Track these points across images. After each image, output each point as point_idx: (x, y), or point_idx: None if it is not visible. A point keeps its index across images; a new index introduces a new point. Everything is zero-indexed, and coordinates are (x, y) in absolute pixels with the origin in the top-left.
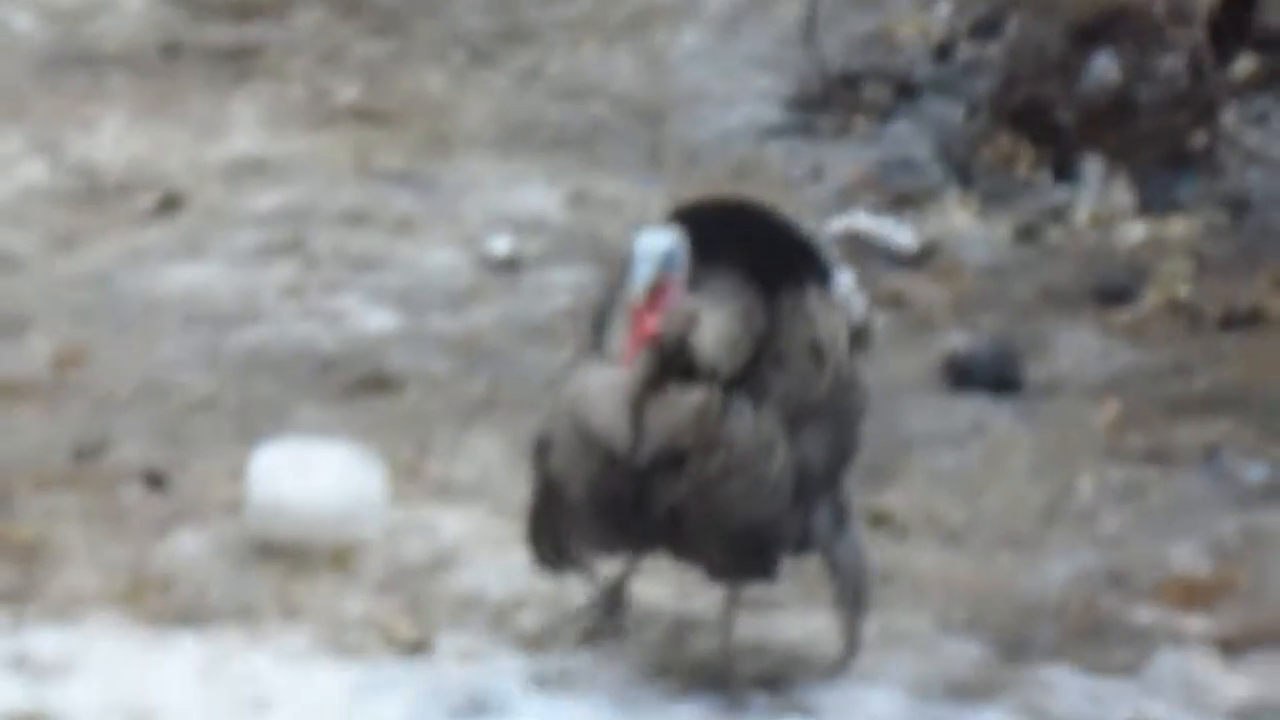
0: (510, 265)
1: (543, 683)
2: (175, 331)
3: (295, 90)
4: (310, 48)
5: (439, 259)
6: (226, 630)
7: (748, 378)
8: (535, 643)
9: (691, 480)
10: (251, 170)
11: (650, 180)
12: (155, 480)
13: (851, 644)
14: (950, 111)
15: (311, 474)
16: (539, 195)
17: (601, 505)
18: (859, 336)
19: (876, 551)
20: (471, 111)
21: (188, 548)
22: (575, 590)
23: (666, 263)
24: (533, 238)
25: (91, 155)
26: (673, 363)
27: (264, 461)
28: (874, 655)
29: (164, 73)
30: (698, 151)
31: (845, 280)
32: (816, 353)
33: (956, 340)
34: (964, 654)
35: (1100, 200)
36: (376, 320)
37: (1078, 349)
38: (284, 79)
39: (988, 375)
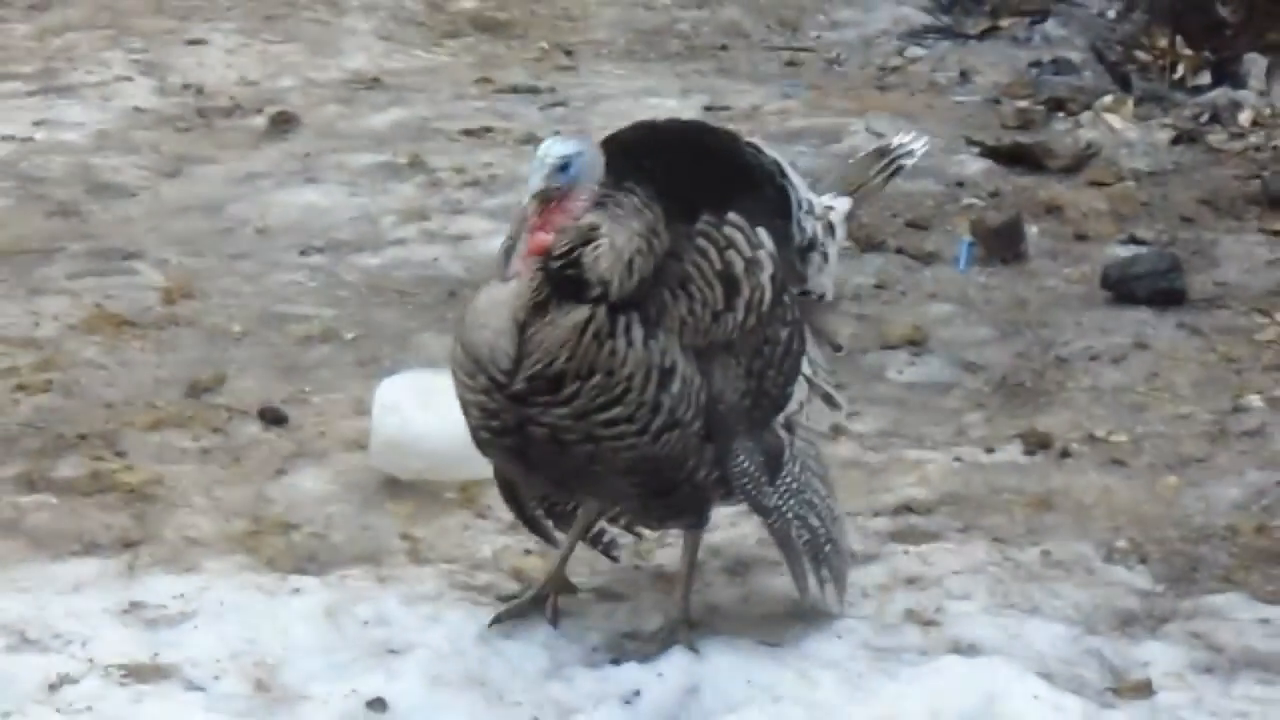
0: None
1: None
2: (290, 259)
3: (411, 2)
4: None
5: None
6: (351, 573)
7: (643, 301)
8: (673, 580)
9: (569, 405)
10: (368, 87)
11: (789, 89)
12: (273, 417)
13: (804, 594)
14: (1104, 10)
15: (437, 407)
16: (673, 107)
17: (494, 432)
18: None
19: (1035, 477)
20: (598, 20)
21: (309, 487)
22: (721, 521)
23: (565, 173)
24: None
25: (200, 76)
26: (560, 279)
27: (387, 395)
28: (1035, 585)
29: None
30: (838, 56)
31: (829, 211)
32: (729, 282)
33: (1115, 251)
34: (1129, 583)
35: (1264, 100)
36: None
37: (1243, 257)
38: None
39: (1149, 287)
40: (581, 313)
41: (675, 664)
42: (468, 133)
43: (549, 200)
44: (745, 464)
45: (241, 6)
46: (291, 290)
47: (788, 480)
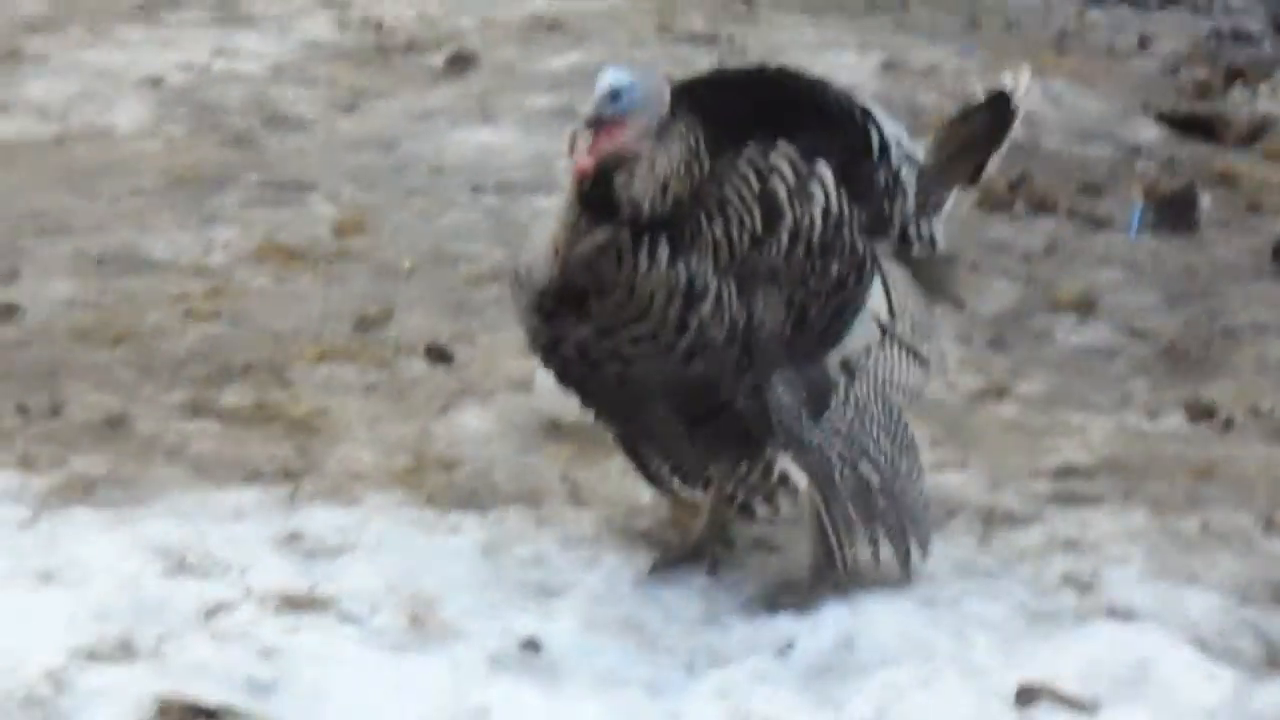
0: None
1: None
2: (462, 198)
3: None
4: None
5: None
6: (510, 513)
7: (679, 223)
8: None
9: (592, 322)
10: (547, 29)
11: (967, 48)
12: (439, 354)
13: (817, 564)
14: None
15: None
16: (850, 62)
17: (542, 352)
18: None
19: (1198, 446)
20: None
21: (472, 425)
22: None
23: (617, 102)
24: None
25: (380, 11)
26: (593, 200)
27: None
28: (1194, 554)
29: None
30: (1018, 18)
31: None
32: (771, 207)
33: None
34: None
35: None
36: None
37: None
38: None
39: None
40: (605, 232)
41: (830, 617)
42: None
43: (600, 126)
44: (783, 396)
45: None
46: (463, 229)
47: (835, 422)
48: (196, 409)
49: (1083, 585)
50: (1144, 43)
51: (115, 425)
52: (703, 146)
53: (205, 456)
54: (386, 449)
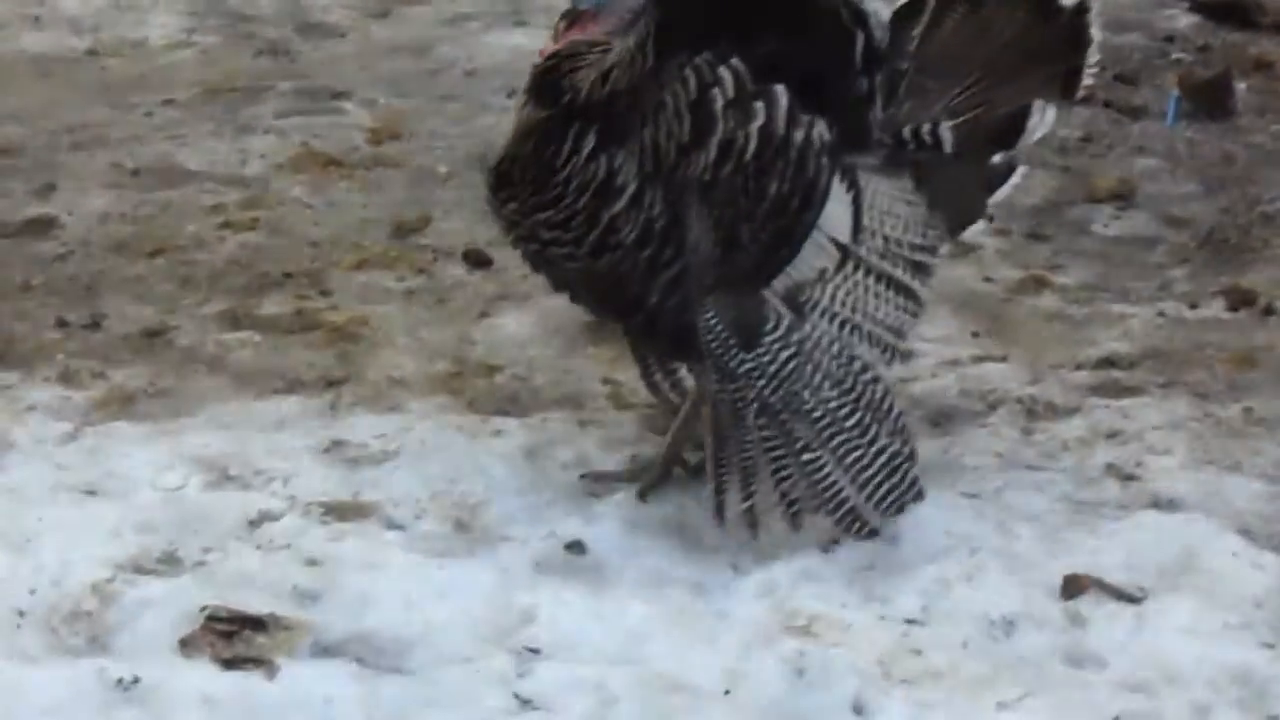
0: None
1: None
2: (498, 101)
3: None
4: None
5: None
6: (552, 416)
7: (614, 117)
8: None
9: (515, 202)
10: None
11: None
12: (478, 259)
13: (666, 459)
14: None
15: None
16: None
17: (505, 235)
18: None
19: (1238, 333)
20: None
21: (511, 330)
22: (922, 372)
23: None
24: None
25: None
26: (540, 84)
27: None
28: (1236, 442)
29: None
30: None
31: None
32: (702, 118)
33: None
34: None
35: None
36: None
37: None
38: None
39: None
40: (538, 113)
41: None
42: None
43: (575, 19)
44: (713, 320)
45: None
46: (498, 132)
47: (767, 361)
48: (236, 319)
49: (1126, 475)
50: None
51: (155, 337)
52: (650, 43)
53: (245, 367)
54: (427, 355)
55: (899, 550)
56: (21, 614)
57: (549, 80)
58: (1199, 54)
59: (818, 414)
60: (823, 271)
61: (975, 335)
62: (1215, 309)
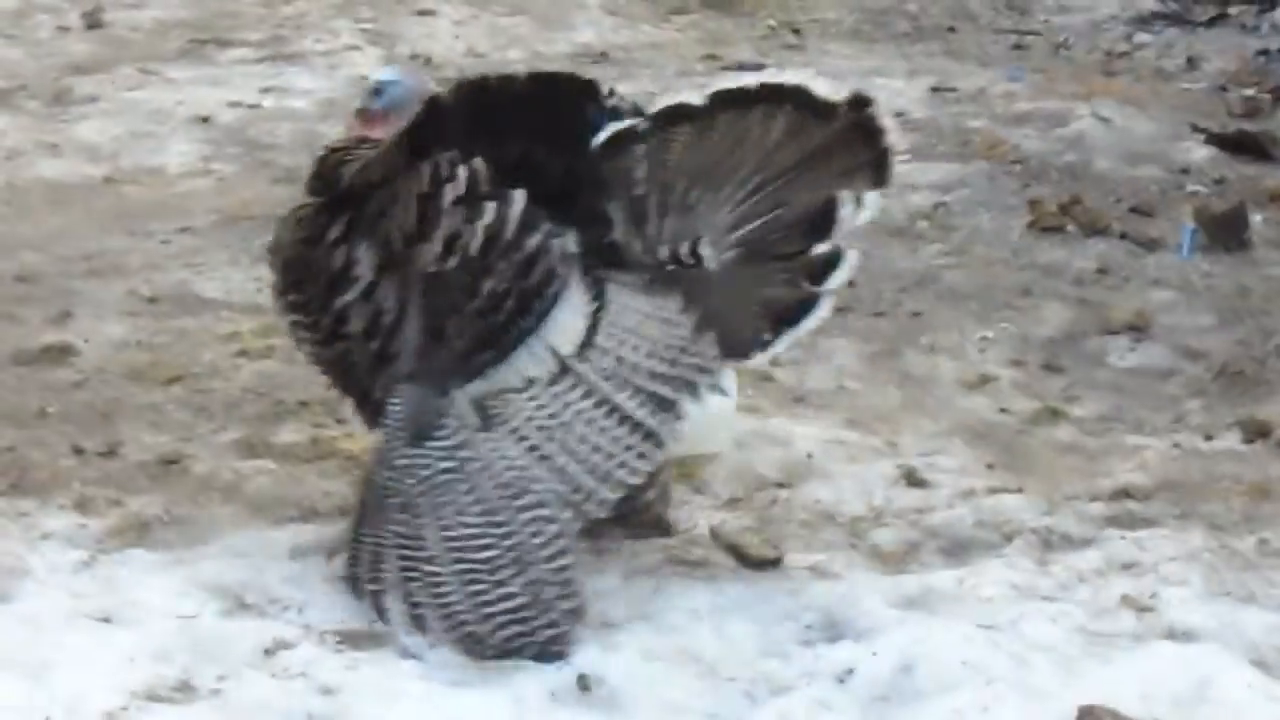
0: None
1: (903, 603)
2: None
3: None
4: None
5: None
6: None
7: (360, 210)
8: (895, 560)
9: (274, 279)
10: (595, 62)
11: (1015, 72)
12: None
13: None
14: None
15: None
16: (899, 87)
17: None
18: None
19: (1254, 465)
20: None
21: None
22: (938, 503)
23: (379, 97)
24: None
25: (428, 47)
26: (315, 176)
27: None
28: (1251, 574)
29: None
30: (1065, 41)
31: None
32: (429, 210)
33: None
34: None
35: None
36: None
37: None
38: None
39: None
40: (306, 200)
41: (891, 643)
42: None
43: (364, 117)
44: (395, 408)
45: None
46: None
47: (423, 464)
48: (252, 447)
49: (1141, 606)
50: (1192, 63)
51: (171, 465)
52: (404, 141)
53: (261, 495)
54: None
55: (914, 680)
56: None
57: (321, 170)
58: (1214, 186)
59: (451, 535)
60: (530, 382)
61: (990, 467)
62: (1231, 441)
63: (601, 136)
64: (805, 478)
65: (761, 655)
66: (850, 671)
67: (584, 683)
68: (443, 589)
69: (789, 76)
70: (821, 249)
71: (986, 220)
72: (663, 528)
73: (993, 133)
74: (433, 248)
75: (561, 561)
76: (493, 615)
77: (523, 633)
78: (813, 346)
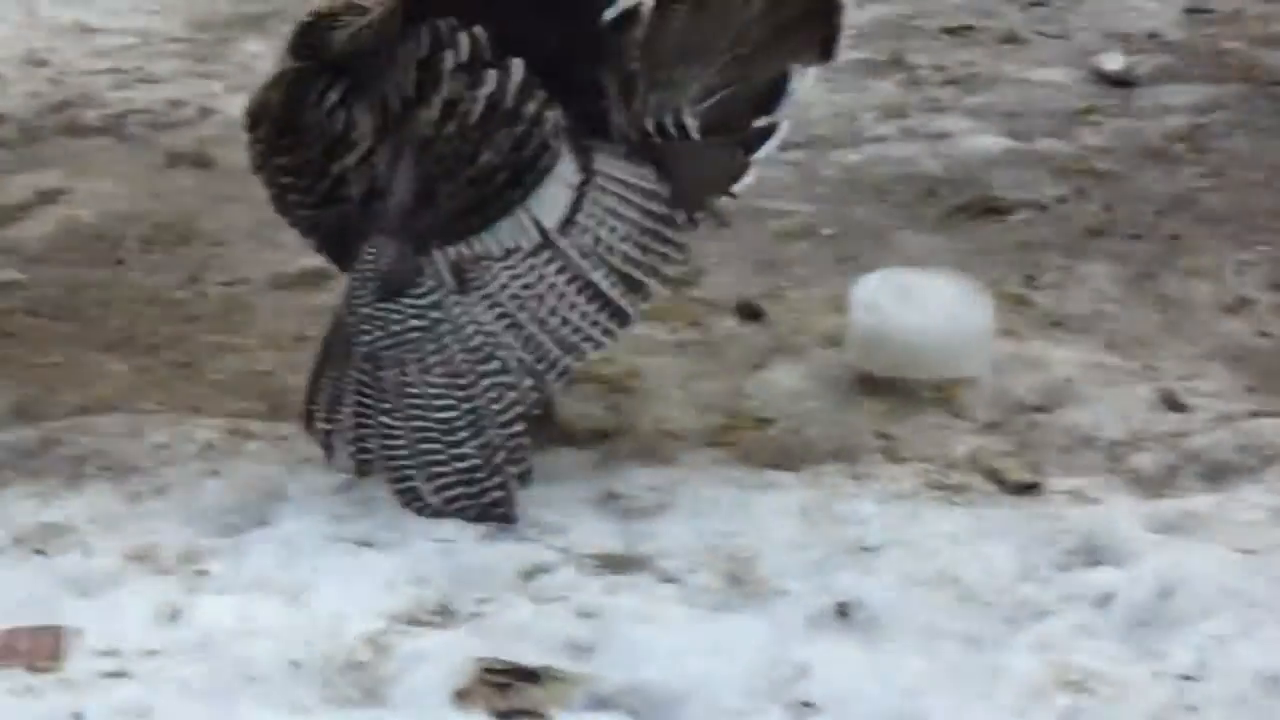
0: (1123, 83)
1: (1162, 528)
2: (771, 153)
3: None
4: None
5: (1047, 77)
6: (826, 469)
7: (359, 74)
8: (1154, 484)
9: (255, 147)
10: None
11: None
12: (750, 311)
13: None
14: None
15: (915, 305)
16: (1154, 8)
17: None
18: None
19: None
20: None
21: (784, 382)
22: (1197, 427)
23: None
24: (1147, 54)
25: None
26: (298, 41)
27: (865, 292)
28: None
29: None
30: None
31: None
32: (428, 75)
33: None
34: None
35: None
36: (982, 142)
37: None
38: None
39: None
40: (288, 64)
41: (1149, 568)
42: (948, 30)
43: None
44: (367, 257)
45: None
46: (770, 185)
47: (395, 318)
48: None
49: None
50: None
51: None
52: (400, 6)
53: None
54: (700, 407)
55: (1174, 605)
56: (297, 665)
57: (307, 36)
58: None
59: (413, 391)
60: (510, 252)
61: (1250, 390)
62: None
63: (610, 13)
64: (1063, 402)
65: (1020, 580)
66: (1109, 596)
67: (843, 609)
68: (394, 441)
69: None
70: (761, 121)
71: (1244, 142)
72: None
73: (1249, 54)
74: (431, 112)
75: (516, 428)
76: (441, 475)
77: (468, 494)
78: (1070, 269)
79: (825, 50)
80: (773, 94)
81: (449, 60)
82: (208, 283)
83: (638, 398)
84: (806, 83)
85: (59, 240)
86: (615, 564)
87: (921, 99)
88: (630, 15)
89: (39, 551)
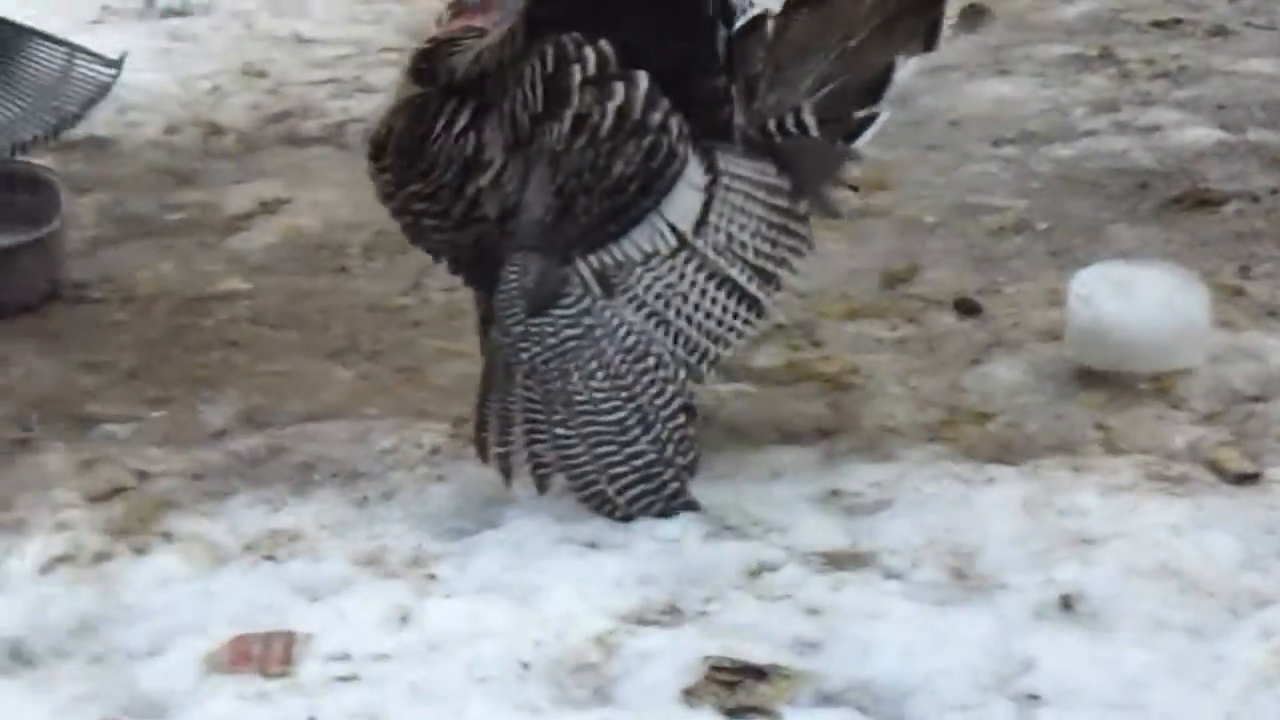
0: None
1: None
2: (982, 151)
3: None
4: None
5: (1257, 68)
6: (1046, 463)
7: (483, 95)
8: None
9: (389, 173)
10: None
11: None
12: (967, 307)
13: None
14: None
15: (1132, 298)
16: None
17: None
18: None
19: None
20: None
21: (1003, 377)
22: None
23: None
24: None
25: None
26: (418, 67)
27: (1082, 285)
28: None
29: None
30: None
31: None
32: (556, 90)
33: None
34: None
35: None
36: (1193, 134)
37: None
38: None
39: None
40: (413, 90)
41: None
42: (1157, 24)
43: (459, 11)
44: (512, 276)
45: None
46: (984, 181)
47: (550, 331)
48: (729, 371)
49: None
50: None
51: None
52: (521, 26)
53: (740, 418)
54: (919, 403)
55: None
56: (526, 666)
57: (427, 62)
58: None
59: (580, 398)
60: (650, 256)
61: None
62: None
63: (738, 23)
64: None
65: (1242, 569)
66: None
67: (1066, 601)
68: (572, 451)
69: None
70: (863, 111)
71: None
72: None
73: None
74: (562, 127)
75: (680, 419)
76: (621, 475)
77: (648, 490)
78: None
79: (929, 40)
80: (878, 84)
81: (576, 75)
82: (429, 289)
83: (858, 395)
84: (910, 71)
85: (281, 249)
86: (839, 560)
87: (1132, 92)
88: (756, 22)
89: (269, 558)
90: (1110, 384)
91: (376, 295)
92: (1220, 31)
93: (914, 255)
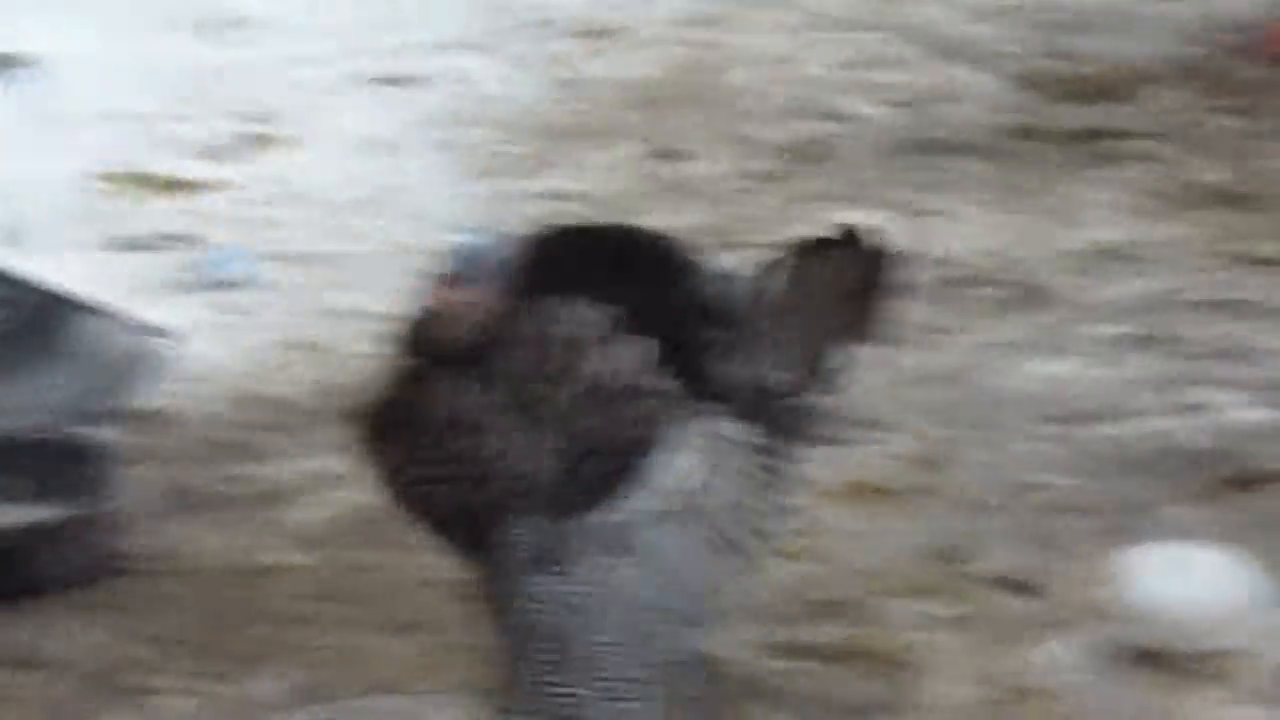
0: None
1: None
2: (1034, 429)
3: (1153, 173)
4: (1167, 128)
5: None
6: None
7: (479, 362)
8: None
9: (383, 446)
10: (1110, 258)
11: None
12: (1023, 586)
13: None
14: None
15: (1185, 578)
16: None
17: None
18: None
19: None
20: None
21: (1060, 656)
22: None
23: (459, 262)
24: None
25: (944, 245)
26: (414, 339)
27: (1134, 565)
28: None
29: (1015, 158)
30: None
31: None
32: (559, 356)
33: None
34: None
35: None
36: (1246, 415)
37: None
38: (1141, 161)
39: None
40: (411, 362)
41: None
42: (1211, 304)
43: (451, 283)
44: (515, 539)
45: (983, 176)
46: (1032, 460)
47: (559, 590)
48: (791, 648)
49: None
50: None
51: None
52: (516, 292)
53: (803, 695)
54: (978, 681)
55: None
56: None
57: (422, 331)
58: None
59: (599, 658)
60: (649, 515)
61: None
62: None
63: (718, 286)
64: None
65: None
66: None
67: None
68: (588, 710)
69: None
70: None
71: None
72: None
73: None
74: (563, 391)
75: (697, 674)
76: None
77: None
78: None
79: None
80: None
81: (577, 339)
82: None
83: (915, 672)
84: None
85: (343, 522)
86: None
87: (1185, 372)
88: (751, 280)
89: None
90: (1166, 665)
91: (439, 569)
92: (1274, 312)
93: (967, 533)
